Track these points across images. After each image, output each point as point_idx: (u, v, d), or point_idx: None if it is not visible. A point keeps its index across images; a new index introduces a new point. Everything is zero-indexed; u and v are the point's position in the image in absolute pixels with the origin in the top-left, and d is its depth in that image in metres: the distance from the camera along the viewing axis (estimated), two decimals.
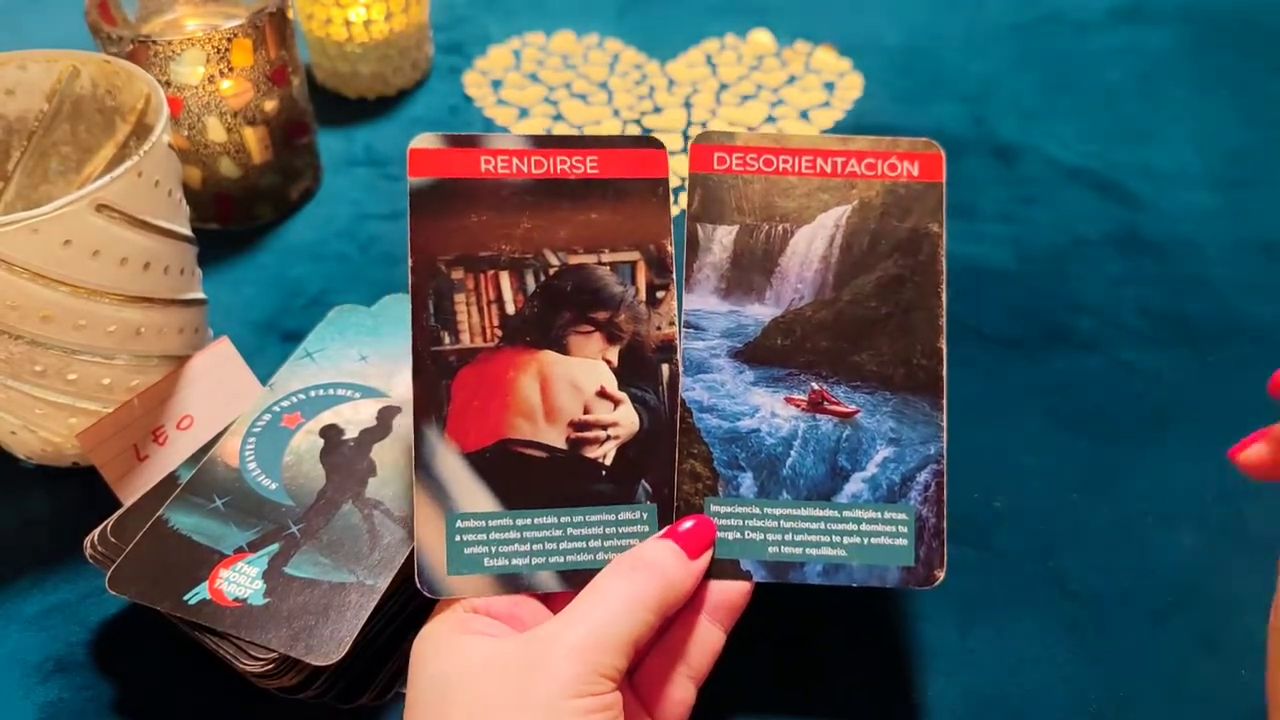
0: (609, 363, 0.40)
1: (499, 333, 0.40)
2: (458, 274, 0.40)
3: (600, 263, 0.41)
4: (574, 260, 0.41)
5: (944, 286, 0.41)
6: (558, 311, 0.40)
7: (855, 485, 0.40)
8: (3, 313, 0.42)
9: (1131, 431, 0.53)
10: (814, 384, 0.41)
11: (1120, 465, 0.52)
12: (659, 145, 0.42)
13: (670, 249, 0.41)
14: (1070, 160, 0.71)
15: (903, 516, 0.40)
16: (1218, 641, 0.44)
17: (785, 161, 0.42)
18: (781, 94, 0.78)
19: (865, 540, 0.39)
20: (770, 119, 0.76)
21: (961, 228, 0.66)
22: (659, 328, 0.41)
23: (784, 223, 0.42)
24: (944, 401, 0.40)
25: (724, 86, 0.79)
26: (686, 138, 0.74)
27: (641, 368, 0.41)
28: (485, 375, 0.40)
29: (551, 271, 0.41)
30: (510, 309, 0.40)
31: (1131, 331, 0.59)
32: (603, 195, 0.41)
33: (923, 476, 0.40)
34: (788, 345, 0.41)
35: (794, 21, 0.86)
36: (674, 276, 0.41)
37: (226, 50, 0.59)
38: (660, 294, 0.41)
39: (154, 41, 0.57)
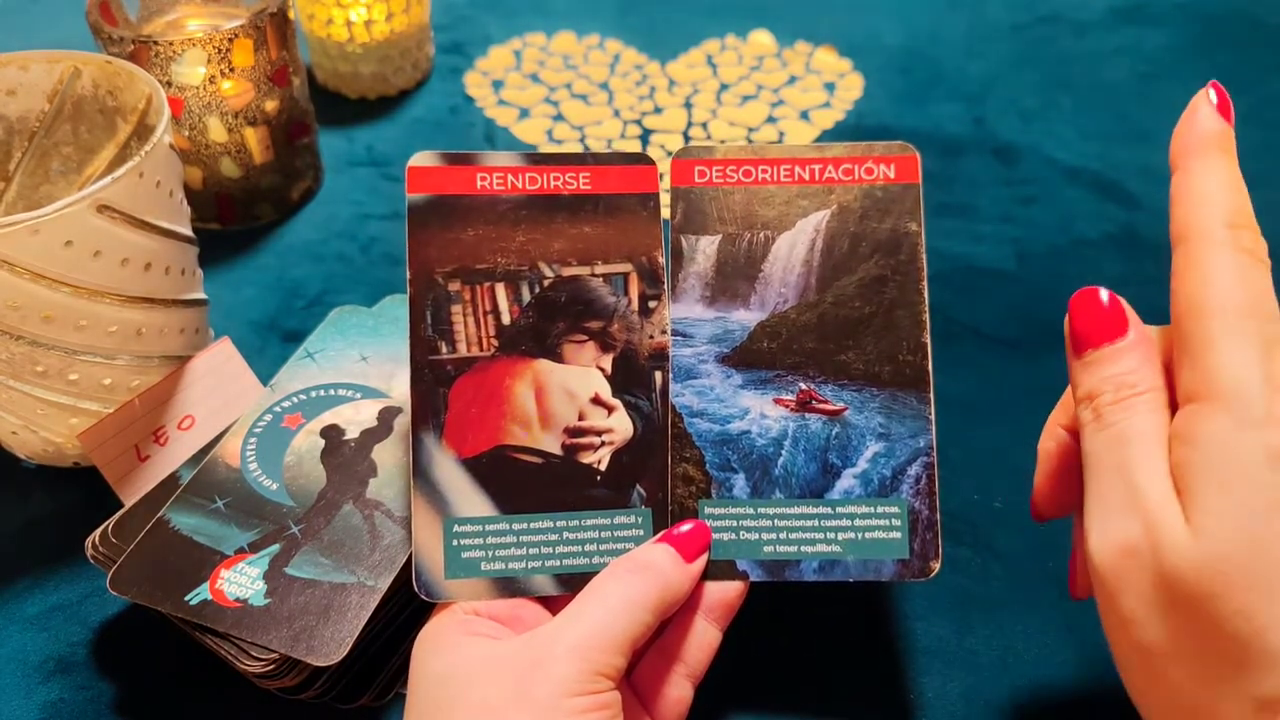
0: (603, 370, 0.41)
1: (495, 342, 0.41)
2: (454, 286, 0.41)
3: (593, 274, 0.41)
4: (568, 272, 0.41)
5: (925, 283, 0.42)
6: (552, 321, 0.41)
7: (847, 481, 0.40)
8: (4, 313, 0.42)
9: None
10: (802, 384, 0.41)
11: None
12: (649, 161, 0.43)
13: (661, 261, 0.42)
14: (1070, 160, 0.71)
15: (895, 510, 0.40)
16: None
17: (764, 171, 0.42)
18: (782, 94, 0.78)
19: (859, 535, 0.40)
20: (771, 119, 0.76)
21: (961, 228, 0.66)
22: (651, 336, 0.41)
23: (765, 230, 0.42)
24: (931, 395, 0.41)
25: (724, 87, 0.79)
26: (687, 138, 0.74)
27: (635, 375, 0.41)
28: (482, 383, 0.40)
29: (546, 283, 0.41)
30: (506, 319, 0.41)
31: None
32: (595, 210, 0.42)
33: (913, 470, 0.40)
34: (774, 348, 0.42)
35: (794, 22, 0.86)
36: (665, 287, 0.42)
37: (227, 51, 0.59)
38: (652, 304, 0.42)
39: (155, 42, 0.57)
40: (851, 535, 0.40)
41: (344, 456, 0.45)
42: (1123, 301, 0.34)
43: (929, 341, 0.41)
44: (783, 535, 0.40)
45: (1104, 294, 0.34)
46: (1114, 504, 0.30)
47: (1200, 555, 0.28)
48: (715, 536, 0.40)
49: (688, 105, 0.77)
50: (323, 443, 0.46)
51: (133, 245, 0.44)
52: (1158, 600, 0.29)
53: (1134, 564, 0.29)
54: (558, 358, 0.41)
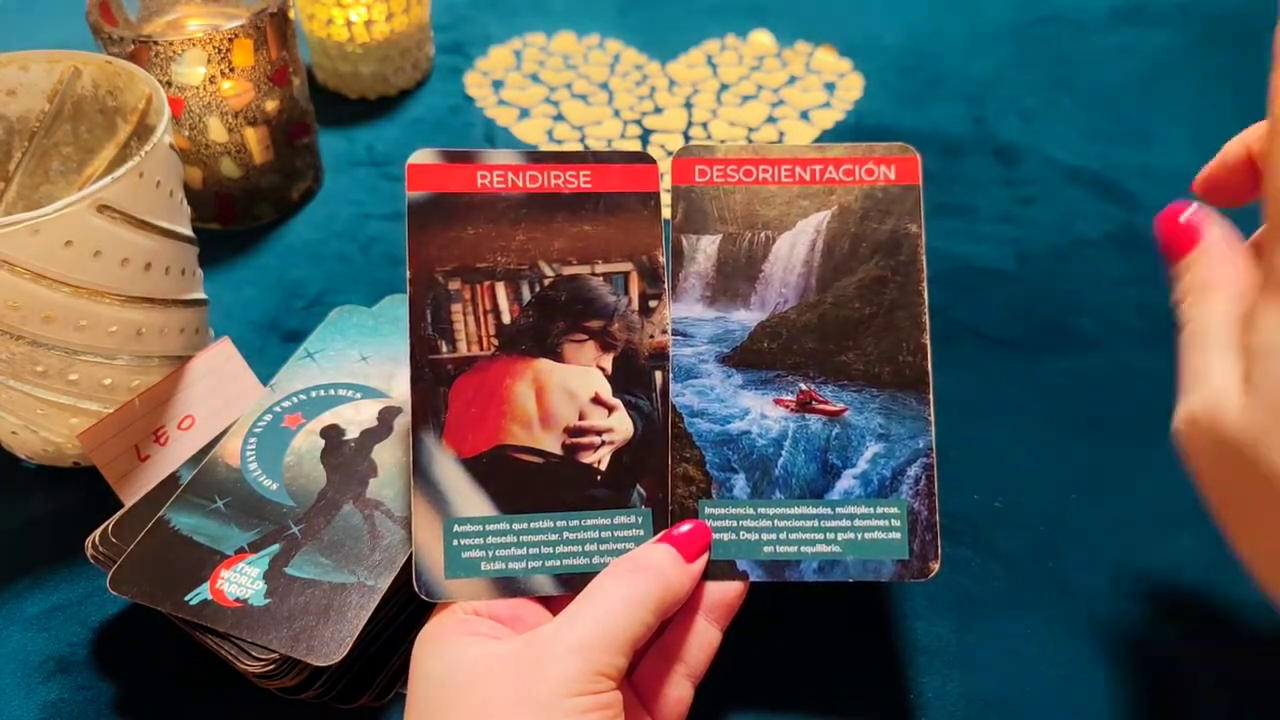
0: (603, 370, 0.41)
1: (495, 341, 0.41)
2: (455, 285, 0.41)
3: (594, 273, 0.41)
4: (568, 271, 0.41)
5: (925, 285, 0.42)
6: (553, 320, 0.41)
7: (847, 482, 0.40)
8: (4, 313, 0.42)
9: (1131, 432, 0.53)
10: (802, 384, 0.41)
11: (1120, 465, 0.52)
12: (650, 160, 0.43)
13: (662, 260, 0.42)
14: (1070, 160, 0.71)
15: (895, 510, 0.40)
16: (1216, 641, 0.45)
17: (765, 171, 0.42)
18: (782, 94, 0.78)
19: (859, 535, 0.40)
20: (771, 119, 0.76)
21: (961, 228, 0.66)
22: (652, 336, 0.41)
23: (766, 230, 0.42)
24: (930, 396, 0.41)
25: (724, 87, 0.79)
26: (687, 138, 0.74)
27: (635, 375, 0.41)
28: (482, 383, 0.40)
29: (546, 282, 0.41)
30: (506, 318, 0.41)
31: (1131, 331, 0.59)
32: (596, 208, 0.42)
33: (913, 470, 0.40)
34: (774, 348, 0.42)
35: (794, 22, 0.86)
36: (666, 286, 0.42)
37: (228, 50, 0.59)
38: (652, 303, 0.42)
39: (155, 42, 0.57)
40: (851, 536, 0.40)
41: (344, 456, 0.45)
42: (1199, 211, 0.37)
43: (928, 343, 0.41)
44: (783, 535, 0.40)
45: (1183, 210, 0.37)
46: (1188, 385, 0.34)
47: (1250, 415, 0.31)
48: (715, 537, 0.40)
49: (688, 105, 0.77)
50: (323, 443, 0.46)
51: (133, 245, 0.44)
52: (1221, 458, 0.32)
53: (1198, 431, 0.33)
54: (558, 357, 0.41)
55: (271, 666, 0.39)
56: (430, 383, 0.40)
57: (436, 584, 0.39)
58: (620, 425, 0.40)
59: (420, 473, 0.39)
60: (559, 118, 0.76)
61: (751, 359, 0.42)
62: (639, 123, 0.75)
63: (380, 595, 0.40)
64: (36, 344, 0.44)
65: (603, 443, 0.40)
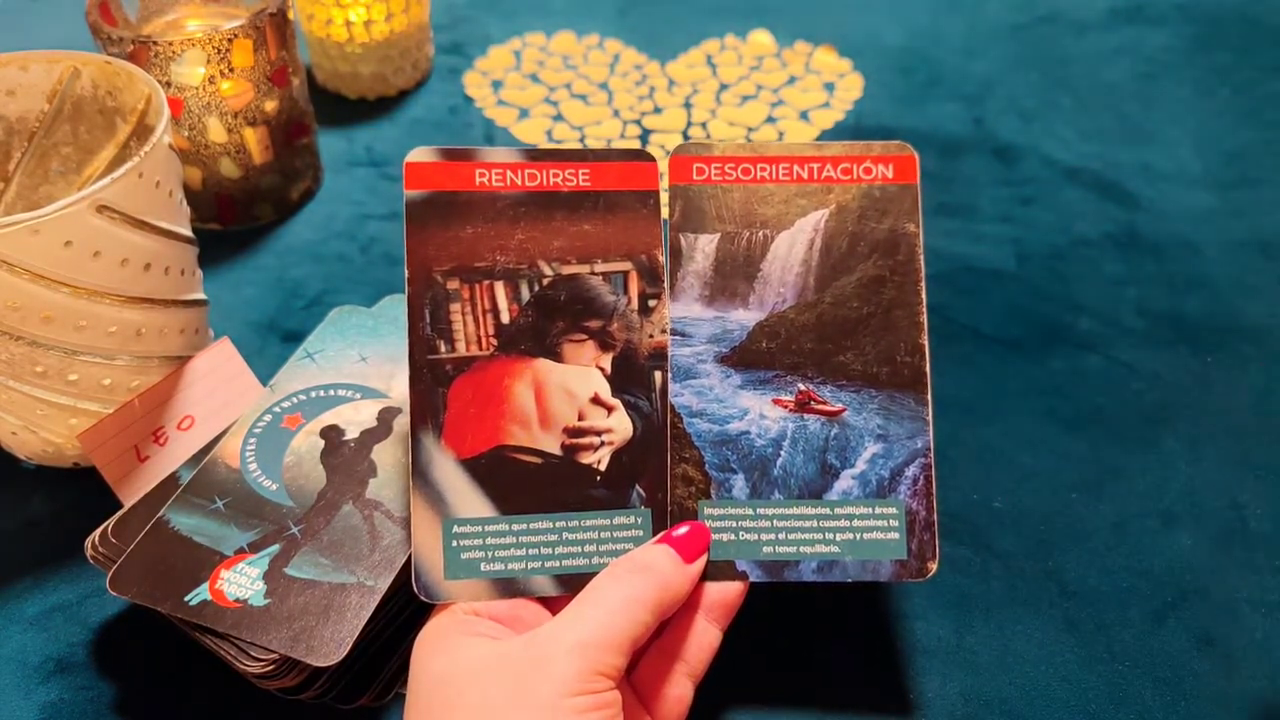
0: (602, 370, 0.41)
1: (494, 341, 0.41)
2: (453, 284, 0.41)
3: (593, 273, 0.41)
4: (567, 270, 0.41)
5: (923, 284, 0.42)
6: (552, 320, 0.41)
7: (845, 482, 0.40)
8: (4, 314, 0.42)
9: (1131, 431, 0.53)
10: (800, 385, 0.41)
11: (1119, 465, 0.52)
12: (650, 158, 0.43)
13: (661, 259, 0.42)
14: (1070, 160, 0.71)
15: (893, 511, 0.40)
16: (1216, 641, 0.45)
17: (763, 170, 0.42)
18: (781, 94, 0.78)
19: (857, 536, 0.40)
20: (770, 120, 0.76)
21: (961, 228, 0.66)
22: (651, 335, 0.41)
23: (764, 229, 0.42)
24: (929, 396, 0.41)
25: (724, 87, 0.79)
26: (687, 138, 0.74)
27: (634, 375, 0.41)
28: (481, 383, 0.40)
29: (545, 281, 0.41)
30: (505, 318, 0.41)
31: (1131, 331, 0.59)
32: (595, 207, 0.42)
33: (911, 471, 0.40)
34: (773, 348, 0.42)
35: (794, 22, 0.86)
36: (665, 286, 0.42)
37: (227, 51, 0.59)
38: (652, 303, 0.41)
39: (155, 42, 0.57)
40: (850, 536, 0.40)
41: (344, 456, 0.45)
42: None
43: (926, 343, 0.41)
44: (782, 536, 0.40)
45: None
46: None
47: None
48: (715, 537, 0.40)
49: (687, 105, 0.77)
50: (322, 443, 0.46)
51: (132, 245, 0.44)
52: None
53: None
54: (557, 357, 0.41)
55: (271, 667, 0.39)
56: (429, 383, 0.40)
57: (436, 585, 0.39)
58: (619, 425, 0.40)
59: (419, 473, 0.39)
60: (558, 118, 0.76)
61: (750, 359, 0.42)
62: (638, 123, 0.75)
63: (380, 595, 0.40)
64: (36, 344, 0.44)
65: (602, 443, 0.40)
